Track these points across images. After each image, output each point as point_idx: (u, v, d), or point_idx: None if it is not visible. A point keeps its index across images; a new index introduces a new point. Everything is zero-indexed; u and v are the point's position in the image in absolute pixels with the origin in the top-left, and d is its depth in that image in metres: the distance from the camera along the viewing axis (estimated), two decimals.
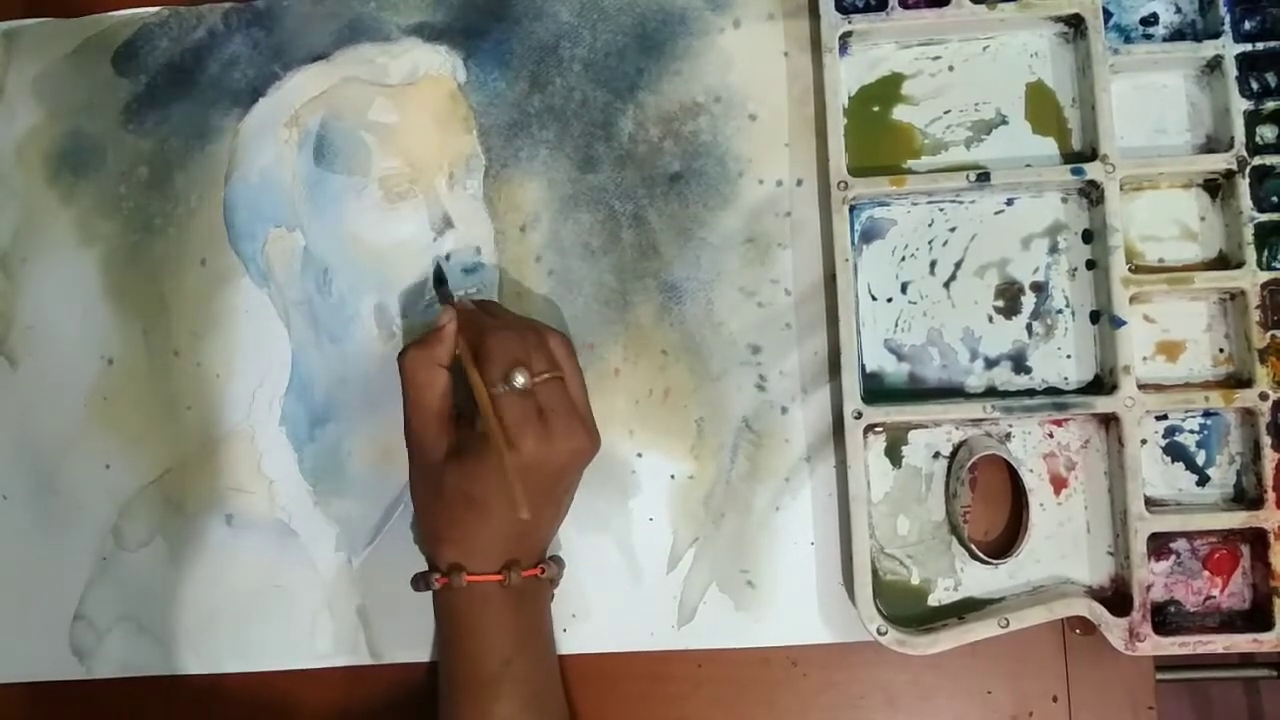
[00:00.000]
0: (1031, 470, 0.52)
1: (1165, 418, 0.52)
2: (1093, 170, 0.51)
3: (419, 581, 0.49)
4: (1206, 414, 0.52)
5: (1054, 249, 0.53)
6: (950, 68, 0.54)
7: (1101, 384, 0.52)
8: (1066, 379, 0.52)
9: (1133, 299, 0.50)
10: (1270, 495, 0.49)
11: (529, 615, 0.49)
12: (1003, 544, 0.52)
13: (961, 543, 0.51)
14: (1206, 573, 0.51)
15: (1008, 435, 0.52)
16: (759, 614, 0.52)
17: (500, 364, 0.46)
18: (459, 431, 0.49)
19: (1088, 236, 0.52)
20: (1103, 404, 0.50)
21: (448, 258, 0.55)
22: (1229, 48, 0.51)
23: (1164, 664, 0.51)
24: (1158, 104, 0.53)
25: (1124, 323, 0.50)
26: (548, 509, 0.49)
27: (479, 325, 0.48)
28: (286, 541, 0.55)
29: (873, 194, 0.52)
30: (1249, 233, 0.50)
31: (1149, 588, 0.49)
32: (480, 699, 0.46)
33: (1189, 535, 0.51)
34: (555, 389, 0.47)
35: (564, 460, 0.47)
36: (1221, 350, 0.52)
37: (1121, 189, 0.51)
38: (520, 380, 0.46)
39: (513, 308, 0.54)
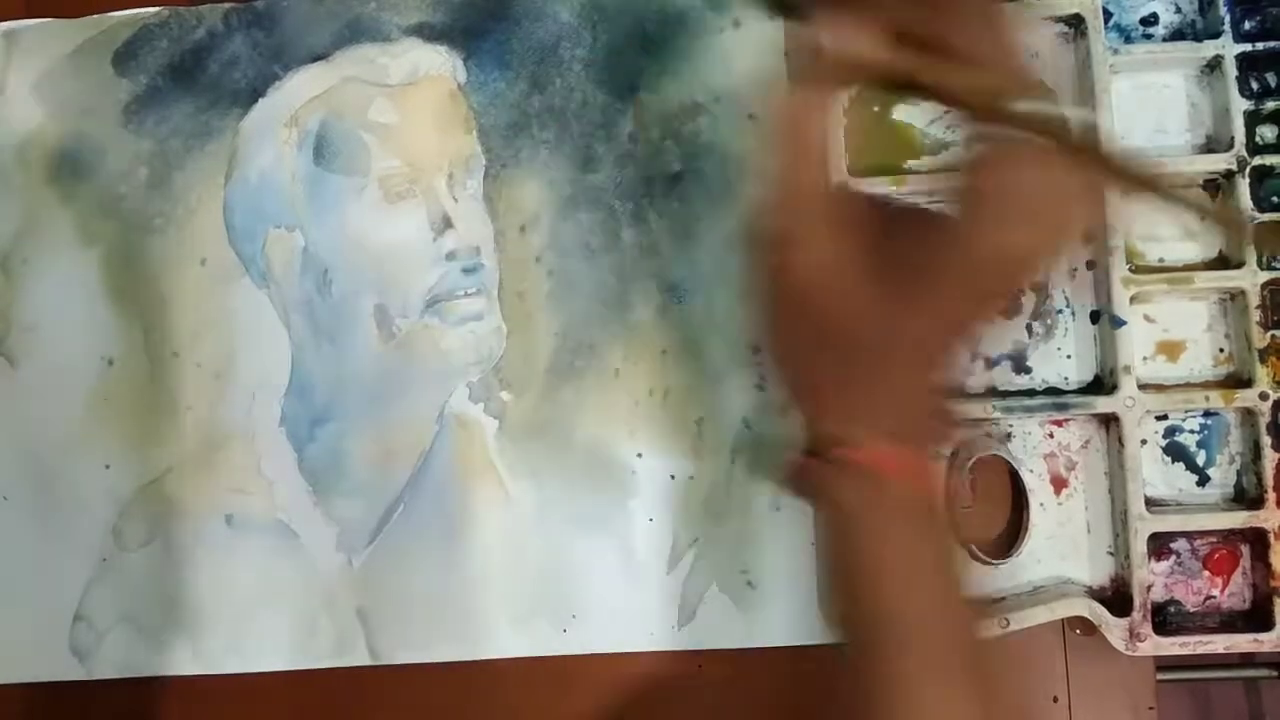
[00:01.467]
0: (1032, 470, 0.52)
1: (1165, 418, 0.52)
2: None
3: (795, 477, 0.32)
4: (1207, 414, 0.52)
5: None
6: None
7: (1102, 384, 0.52)
8: (1067, 379, 0.52)
9: (1133, 299, 0.50)
10: (1270, 495, 0.49)
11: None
12: (1003, 544, 0.52)
13: (961, 543, 0.51)
14: (1207, 573, 0.51)
15: (1008, 435, 0.52)
16: (759, 614, 0.52)
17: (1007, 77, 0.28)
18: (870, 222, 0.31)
19: (1088, 236, 0.52)
20: (1103, 404, 0.50)
21: (451, 255, 0.55)
22: (1229, 48, 0.51)
23: (1164, 664, 0.51)
24: (1158, 104, 0.53)
25: (1124, 323, 0.50)
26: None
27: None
28: (286, 542, 0.55)
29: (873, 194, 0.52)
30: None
31: (1149, 588, 0.49)
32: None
33: (1189, 535, 0.51)
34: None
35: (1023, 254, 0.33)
36: (1222, 350, 0.52)
37: None
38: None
39: (513, 309, 0.54)
